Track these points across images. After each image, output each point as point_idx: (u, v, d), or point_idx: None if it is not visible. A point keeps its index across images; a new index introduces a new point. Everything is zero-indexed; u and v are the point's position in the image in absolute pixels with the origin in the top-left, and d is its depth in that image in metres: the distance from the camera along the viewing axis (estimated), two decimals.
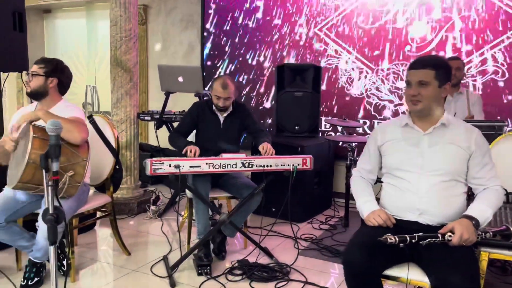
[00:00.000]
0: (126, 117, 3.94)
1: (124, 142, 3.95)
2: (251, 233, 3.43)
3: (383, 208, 2.00)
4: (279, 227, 3.53)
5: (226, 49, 4.98)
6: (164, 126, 3.93)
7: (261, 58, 4.79)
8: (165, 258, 2.95)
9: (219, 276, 2.72)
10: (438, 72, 1.89)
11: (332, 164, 4.39)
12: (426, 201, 1.88)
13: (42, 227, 2.35)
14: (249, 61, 4.86)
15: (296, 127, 4.09)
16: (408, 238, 1.69)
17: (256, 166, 2.70)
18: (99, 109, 6.50)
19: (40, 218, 2.38)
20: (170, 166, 2.55)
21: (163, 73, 3.69)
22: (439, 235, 1.73)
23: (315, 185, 4.08)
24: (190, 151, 2.75)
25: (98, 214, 3.04)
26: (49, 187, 1.37)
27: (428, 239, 1.72)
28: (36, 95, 2.54)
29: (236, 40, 4.91)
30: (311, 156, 2.81)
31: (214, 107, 3.03)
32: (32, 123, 2.33)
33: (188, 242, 3.10)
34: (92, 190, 2.91)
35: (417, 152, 1.94)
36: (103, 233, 3.51)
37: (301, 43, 4.58)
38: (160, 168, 2.54)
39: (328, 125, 4.53)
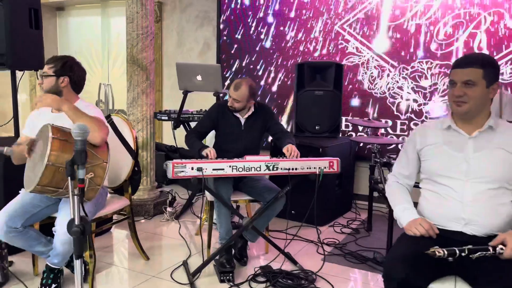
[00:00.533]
0: (143, 117, 3.84)
1: (141, 142, 3.85)
2: (272, 238, 3.31)
3: (422, 216, 1.87)
4: (300, 231, 3.40)
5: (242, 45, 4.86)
6: (181, 126, 3.82)
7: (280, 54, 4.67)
8: (185, 264, 2.84)
9: (242, 284, 2.61)
10: (486, 71, 1.75)
11: (353, 165, 4.26)
12: (471, 210, 1.75)
13: (59, 231, 2.25)
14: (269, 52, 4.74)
15: (316, 127, 3.97)
16: (457, 251, 1.56)
17: (281, 169, 2.58)
18: (114, 108, 6.43)
19: (57, 222, 2.29)
20: (192, 169, 2.44)
21: (181, 71, 3.58)
22: (490, 248, 1.60)
23: (336, 186, 3.95)
24: (207, 154, 2.64)
25: (115, 217, 2.94)
26: (75, 196, 1.26)
27: (479, 253, 1.58)
28: None
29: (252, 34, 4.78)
30: (338, 158, 2.69)
31: None
32: (52, 125, 2.24)
33: (208, 247, 2.98)
34: (109, 194, 2.81)
35: (461, 157, 1.80)
36: (119, 235, 3.41)
37: (321, 40, 4.44)
38: (182, 171, 2.43)
39: (348, 125, 4.39)
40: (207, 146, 2.77)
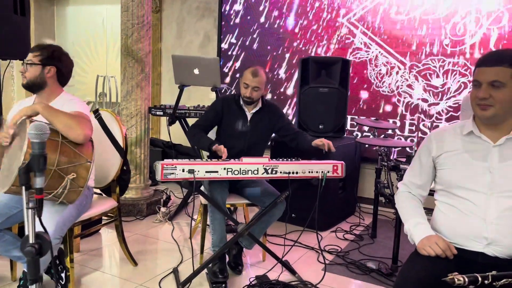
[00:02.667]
0: (137, 111, 3.63)
1: (134, 138, 3.65)
2: (270, 243, 3.11)
3: (436, 233, 1.66)
4: (301, 236, 3.21)
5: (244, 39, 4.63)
6: (177, 122, 3.61)
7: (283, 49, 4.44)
8: (175, 271, 2.64)
9: None
10: None
11: (358, 167, 4.04)
12: (495, 228, 1.53)
13: None
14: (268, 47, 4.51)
15: (320, 126, 3.74)
16: (480, 279, 1.35)
17: (281, 172, 2.36)
18: (111, 100, 6.24)
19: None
20: (183, 171, 2.23)
21: (177, 64, 3.37)
22: None
23: (340, 189, 3.74)
24: (219, 150, 2.43)
25: (105, 218, 2.75)
26: (29, 210, 1.05)
27: (504, 279, 1.37)
28: (32, 87, 2.23)
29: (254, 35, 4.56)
30: (342, 162, 2.47)
31: (241, 102, 2.72)
32: (30, 119, 2.04)
33: (201, 252, 2.79)
34: (95, 195, 2.61)
35: (484, 167, 1.58)
36: (109, 237, 3.22)
37: (326, 34, 4.21)
38: (172, 173, 2.22)
39: (353, 124, 4.17)
40: (217, 141, 2.56)
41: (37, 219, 2.04)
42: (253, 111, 2.73)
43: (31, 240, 1.04)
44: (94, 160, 2.12)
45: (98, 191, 2.70)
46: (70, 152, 2.05)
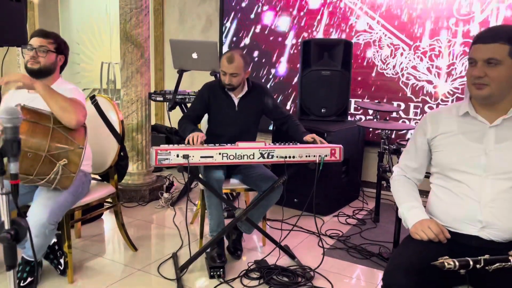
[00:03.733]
0: (137, 97, 3.61)
1: (135, 124, 3.64)
2: (270, 228, 3.10)
3: (431, 216, 1.62)
4: (301, 221, 3.18)
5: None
6: (178, 108, 3.58)
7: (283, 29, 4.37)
8: (174, 256, 2.65)
9: (234, 280, 2.41)
10: None
11: (362, 150, 3.99)
12: (490, 211, 1.49)
13: (30, 223, 2.06)
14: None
15: (322, 110, 3.69)
16: (471, 263, 1.31)
17: (277, 157, 2.33)
18: (116, 87, 6.25)
19: (29, 212, 2.11)
20: (177, 156, 2.21)
21: (176, 49, 3.33)
22: (511, 258, 1.34)
23: (342, 174, 3.69)
24: (192, 139, 2.37)
25: (106, 204, 2.77)
26: (4, 196, 1.04)
27: (497, 264, 1.33)
28: (44, 72, 2.26)
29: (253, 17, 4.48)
30: (340, 146, 2.42)
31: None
32: (23, 105, 2.04)
33: (201, 237, 2.79)
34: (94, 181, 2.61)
35: (480, 149, 1.53)
36: (110, 223, 3.23)
37: (327, 15, 4.12)
38: (167, 159, 2.21)
39: (357, 107, 4.10)
40: (199, 130, 2.53)
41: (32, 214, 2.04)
42: (240, 95, 2.68)
43: (7, 226, 1.03)
44: (86, 146, 2.12)
45: (97, 177, 2.71)
46: (61, 137, 2.05)
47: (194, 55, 3.27)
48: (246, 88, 2.69)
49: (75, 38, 6.23)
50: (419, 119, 3.83)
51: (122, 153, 2.65)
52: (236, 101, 2.69)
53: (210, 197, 2.49)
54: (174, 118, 3.74)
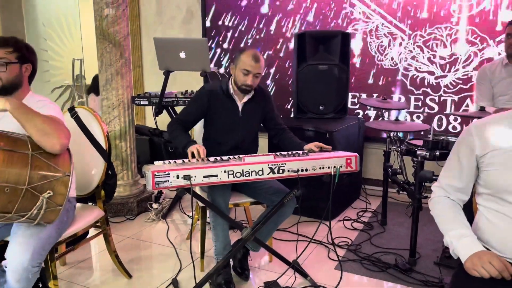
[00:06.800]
0: (119, 102, 3.29)
1: (118, 131, 3.33)
2: (276, 240, 2.87)
3: (485, 246, 1.42)
4: (304, 227, 3.02)
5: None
6: (164, 111, 3.29)
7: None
8: (174, 282, 2.39)
9: None
10: None
11: (362, 147, 3.79)
12: None
13: (11, 266, 1.77)
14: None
15: (320, 107, 3.47)
16: None
17: (288, 171, 2.08)
18: (86, 82, 5.89)
19: (8, 253, 1.80)
20: (178, 177, 1.93)
21: (161, 48, 3.03)
22: None
23: (344, 174, 3.48)
24: (194, 154, 2.16)
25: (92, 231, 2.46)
26: None
27: None
28: (8, 89, 1.90)
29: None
30: (356, 154, 2.21)
31: (231, 91, 2.43)
32: None
33: (202, 256, 2.54)
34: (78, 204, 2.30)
35: None
36: (98, 244, 2.93)
37: (322, 5, 3.86)
38: (166, 181, 1.93)
39: (354, 102, 3.89)
40: (194, 142, 2.27)
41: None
42: (245, 100, 2.46)
43: None
44: (73, 173, 1.82)
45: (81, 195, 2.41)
46: (43, 165, 1.74)
47: (182, 54, 2.98)
48: (252, 92, 2.46)
49: (42, 33, 5.77)
50: (421, 112, 3.65)
51: (109, 171, 2.35)
52: (240, 106, 2.46)
53: (216, 217, 2.24)
54: (160, 121, 3.45)
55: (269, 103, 2.55)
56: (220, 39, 4.30)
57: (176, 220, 3.32)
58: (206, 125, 2.55)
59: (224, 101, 2.44)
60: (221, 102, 2.44)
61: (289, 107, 4.14)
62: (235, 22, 4.20)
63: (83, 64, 5.90)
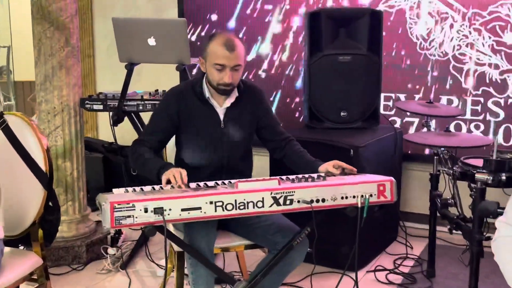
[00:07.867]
0: (63, 106, 3.38)
1: (61, 147, 3.41)
2: None
3: None
4: (321, 280, 3.06)
5: None
6: (126, 119, 3.38)
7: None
8: None
9: None
10: None
11: (399, 168, 3.87)
12: None
13: None
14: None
15: (342, 114, 3.57)
16: None
17: (299, 202, 2.14)
18: (14, 78, 6.03)
19: None
20: (146, 211, 1.98)
21: (121, 32, 3.16)
22: None
23: (375, 206, 3.54)
24: (175, 178, 2.21)
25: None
26: None
27: None
28: None
29: None
30: (391, 179, 2.28)
31: (207, 94, 2.52)
32: None
33: None
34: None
35: None
36: None
37: None
38: (129, 216, 1.97)
39: (387, 106, 3.98)
40: (171, 164, 2.33)
41: None
42: (227, 104, 2.54)
43: None
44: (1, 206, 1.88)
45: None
46: None
47: (151, 41, 3.11)
48: (236, 93, 2.56)
49: None
50: (480, 120, 3.74)
51: (50, 203, 2.42)
52: (221, 113, 2.54)
53: (197, 267, 2.30)
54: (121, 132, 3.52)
55: (261, 103, 2.63)
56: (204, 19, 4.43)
57: (141, 271, 3.39)
58: (178, 142, 2.63)
59: (198, 108, 2.52)
60: (195, 109, 2.52)
61: (297, 114, 4.20)
62: None
63: (10, 53, 6.02)
